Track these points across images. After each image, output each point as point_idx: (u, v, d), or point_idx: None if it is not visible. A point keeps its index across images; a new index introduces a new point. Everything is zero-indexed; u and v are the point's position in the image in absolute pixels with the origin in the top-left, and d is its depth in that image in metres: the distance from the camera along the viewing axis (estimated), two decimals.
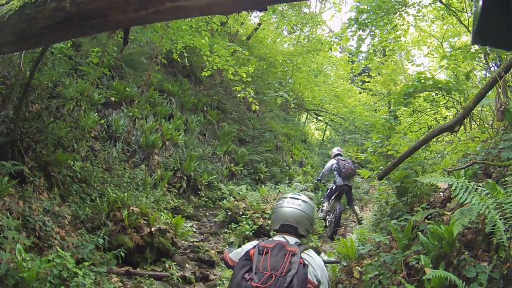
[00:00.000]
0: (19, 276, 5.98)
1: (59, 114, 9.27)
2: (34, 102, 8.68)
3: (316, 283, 3.33)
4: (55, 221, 7.90)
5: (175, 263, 9.46)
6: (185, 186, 13.15)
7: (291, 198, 3.86)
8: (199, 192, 13.70)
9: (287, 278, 3.12)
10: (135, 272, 8.59)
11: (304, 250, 3.48)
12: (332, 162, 13.10)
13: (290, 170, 19.11)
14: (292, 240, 3.62)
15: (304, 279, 3.20)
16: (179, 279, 8.95)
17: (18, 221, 6.79)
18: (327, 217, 12.85)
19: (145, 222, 9.29)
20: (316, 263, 3.46)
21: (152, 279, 8.58)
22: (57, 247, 7.23)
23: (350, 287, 7.44)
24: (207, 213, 13.37)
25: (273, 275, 3.14)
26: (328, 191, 13.39)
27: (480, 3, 1.37)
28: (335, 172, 12.85)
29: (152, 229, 9.22)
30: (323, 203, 13.38)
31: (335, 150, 13.82)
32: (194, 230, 11.64)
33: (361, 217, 11.79)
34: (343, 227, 13.74)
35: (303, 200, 3.84)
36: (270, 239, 3.65)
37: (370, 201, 15.75)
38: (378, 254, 7.10)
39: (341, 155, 13.31)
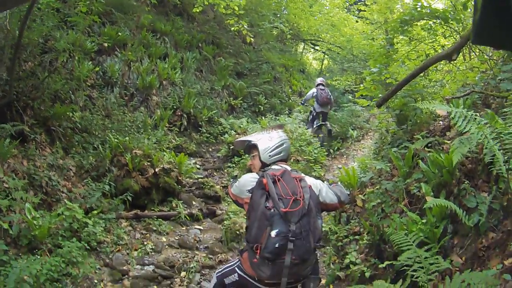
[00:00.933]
0: (31, 235, 6.29)
1: (53, 68, 9.32)
2: (26, 60, 8.72)
3: (318, 194, 3.79)
4: (61, 174, 8.15)
5: (181, 201, 9.77)
6: (185, 123, 13.27)
7: (276, 132, 4.17)
8: (200, 129, 13.85)
9: (305, 201, 3.50)
10: (143, 214, 8.94)
11: (301, 174, 3.86)
12: (313, 90, 14.59)
13: (290, 101, 19.14)
14: (287, 167, 3.94)
15: (318, 201, 3.70)
16: (187, 217, 9.32)
17: (24, 180, 7.01)
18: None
19: (148, 163, 9.50)
20: (314, 183, 3.87)
21: (160, 219, 8.94)
22: (65, 200, 7.52)
23: (354, 215, 7.69)
24: (210, 149, 13.56)
25: (296, 199, 3.48)
26: (310, 116, 14.86)
27: (480, 3, 1.38)
28: (315, 100, 14.41)
29: (156, 170, 9.44)
30: (307, 128, 14.20)
31: (318, 80, 15.10)
32: (198, 166, 11.86)
33: (332, 130, 14.19)
34: (344, 156, 13.98)
35: (283, 133, 4.23)
36: (270, 167, 3.95)
37: (371, 129, 15.86)
38: (380, 182, 7.28)
39: (323, 85, 14.59)
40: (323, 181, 4.09)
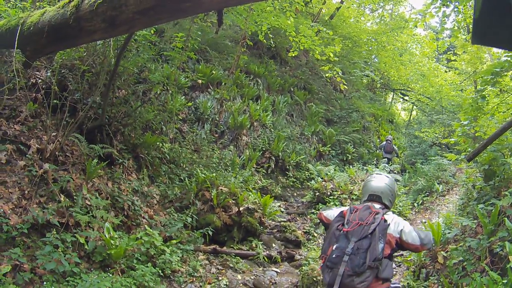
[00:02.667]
0: (106, 253, 6.32)
1: (146, 98, 9.62)
2: (120, 88, 9.06)
3: (397, 235, 4.06)
4: (144, 200, 8.25)
5: (261, 242, 9.58)
6: (273, 166, 13.23)
7: (376, 174, 4.85)
8: (287, 173, 13.71)
9: (371, 227, 3.97)
10: (222, 250, 8.79)
11: (386, 213, 4.28)
12: (383, 143, 18.33)
13: (377, 151, 18.79)
14: (377, 205, 4.39)
15: (385, 229, 4.01)
16: (265, 258, 9.07)
17: (107, 201, 7.14)
18: None
19: (233, 201, 9.46)
20: (395, 220, 4.19)
21: (238, 257, 8.76)
22: (145, 226, 7.55)
23: (433, 272, 7.25)
24: (295, 194, 13.37)
25: (360, 223, 4.04)
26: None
27: (480, 3, 1.38)
28: (383, 151, 18.05)
29: (241, 209, 9.38)
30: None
31: (388, 137, 18.53)
32: (282, 210, 11.68)
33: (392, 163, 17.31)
34: (429, 211, 13.37)
35: (386, 176, 4.77)
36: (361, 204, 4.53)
37: (456, 184, 15.20)
38: (463, 239, 6.90)
39: (390, 140, 18.28)
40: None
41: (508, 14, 1.32)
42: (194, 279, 7.58)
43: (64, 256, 5.78)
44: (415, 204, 13.24)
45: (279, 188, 12.87)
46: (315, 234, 10.91)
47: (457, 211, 9.11)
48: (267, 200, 9.98)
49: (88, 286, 5.36)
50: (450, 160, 13.19)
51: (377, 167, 14.90)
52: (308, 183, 13.10)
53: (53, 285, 5.51)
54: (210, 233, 8.70)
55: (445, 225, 8.07)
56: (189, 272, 7.64)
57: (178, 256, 7.57)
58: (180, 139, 10.74)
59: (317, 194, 12.01)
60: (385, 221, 4.09)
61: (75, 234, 6.15)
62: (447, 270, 6.57)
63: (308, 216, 11.80)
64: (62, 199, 6.38)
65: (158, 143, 9.50)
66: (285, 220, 11.12)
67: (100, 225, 6.56)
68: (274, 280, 8.52)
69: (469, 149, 8.15)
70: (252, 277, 8.43)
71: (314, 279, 8.15)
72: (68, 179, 6.64)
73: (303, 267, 8.54)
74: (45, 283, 5.48)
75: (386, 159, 17.67)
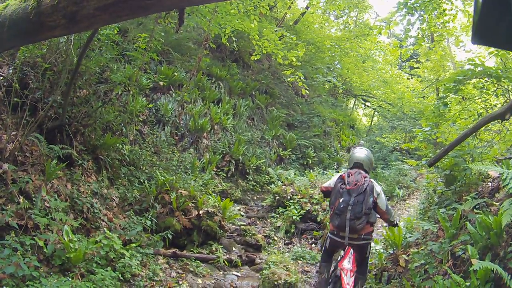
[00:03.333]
0: (65, 256, 6.15)
1: (107, 98, 9.43)
2: (81, 87, 8.85)
3: (376, 196, 6.05)
4: (103, 203, 8.08)
5: (221, 246, 9.52)
6: (233, 170, 13.17)
7: (358, 148, 7.02)
8: (247, 176, 13.69)
9: (363, 186, 5.99)
10: (182, 254, 8.70)
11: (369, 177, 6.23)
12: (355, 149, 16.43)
13: (338, 156, 18.92)
14: (362, 171, 6.33)
15: (372, 188, 6.04)
16: (225, 262, 9.03)
17: (66, 203, 6.94)
18: None
19: (193, 205, 9.37)
20: (376, 185, 6.20)
21: (198, 261, 8.67)
22: (105, 229, 7.39)
23: (395, 275, 7.35)
24: (255, 197, 13.35)
25: (356, 183, 6.03)
26: None
27: (480, 3, 1.40)
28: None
29: (200, 212, 9.30)
30: None
31: (360, 142, 18.01)
32: (242, 213, 11.61)
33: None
34: None
35: (365, 149, 6.82)
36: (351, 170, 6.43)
37: (417, 189, 15.55)
38: (425, 243, 7.06)
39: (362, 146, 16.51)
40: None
41: (508, 14, 1.33)
42: (154, 283, 7.45)
43: (24, 260, 5.59)
44: None
45: (239, 192, 12.83)
46: (275, 238, 10.92)
47: (418, 215, 9.30)
48: (227, 204, 9.91)
49: None
50: (411, 166, 13.49)
51: (338, 172, 15.04)
52: (268, 187, 13.10)
53: None
54: (170, 236, 8.60)
55: (406, 229, 8.23)
56: (149, 276, 7.50)
57: (138, 260, 7.43)
58: (141, 141, 10.60)
59: (277, 198, 12.02)
60: (372, 182, 6.12)
61: (34, 237, 5.96)
62: (409, 273, 6.65)
63: (268, 220, 11.79)
64: (21, 200, 6.18)
65: (118, 144, 9.34)
66: (245, 223, 11.08)
67: (59, 228, 6.39)
68: (235, 284, 8.47)
69: (430, 154, 8.36)
70: (213, 281, 8.36)
71: (275, 282, 8.14)
72: (27, 180, 6.45)
73: (264, 271, 8.53)
74: (4, 287, 5.31)
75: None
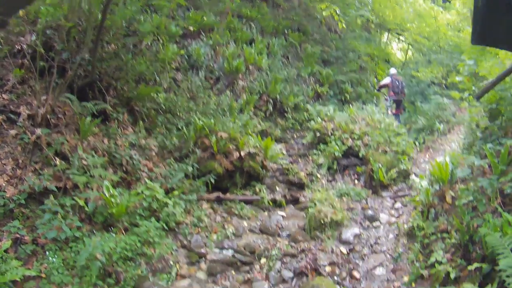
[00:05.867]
0: (107, 212, 6.26)
1: (137, 50, 9.35)
2: (109, 42, 8.77)
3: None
4: (142, 154, 8.12)
5: (265, 186, 9.55)
6: (271, 109, 12.96)
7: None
8: (286, 115, 13.48)
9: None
10: (225, 197, 8.75)
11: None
12: (388, 79, 15.87)
13: (375, 91, 18.45)
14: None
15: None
16: (270, 202, 9.08)
17: (104, 158, 7.02)
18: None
19: (234, 147, 9.33)
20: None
21: (242, 203, 8.73)
22: (146, 180, 7.45)
23: (442, 212, 7.16)
24: (295, 135, 13.16)
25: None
26: (387, 103, 16.19)
27: (480, 4, 1.44)
28: (389, 88, 15.71)
29: (242, 153, 9.26)
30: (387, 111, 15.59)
31: (392, 70, 16.35)
32: (283, 152, 11.48)
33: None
34: (431, 150, 13.27)
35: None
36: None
37: (457, 124, 15.09)
38: (472, 179, 6.78)
39: (396, 77, 15.74)
40: None
41: (507, 14, 1.39)
42: (199, 230, 7.56)
43: (65, 222, 5.72)
44: (417, 143, 13.11)
45: (279, 131, 12.67)
46: (318, 175, 10.85)
47: (462, 150, 8.98)
48: (268, 143, 9.80)
49: (91, 251, 5.30)
50: (452, 100, 13.04)
51: (377, 106, 14.82)
52: (308, 124, 12.85)
53: (56, 253, 5.48)
54: (212, 180, 8.62)
55: (452, 164, 7.91)
56: (194, 222, 7.61)
57: (181, 207, 7.52)
58: (175, 88, 10.53)
59: (317, 134, 11.85)
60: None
61: (74, 197, 6.08)
62: (455, 211, 6.47)
63: (310, 157, 11.67)
64: (57, 162, 6.27)
65: (152, 94, 9.30)
66: (287, 162, 10.96)
67: (99, 184, 6.47)
68: (281, 224, 8.53)
69: (474, 88, 8.05)
70: (258, 223, 8.45)
71: (321, 221, 8.13)
72: (62, 141, 6.51)
73: (309, 210, 8.53)
74: (47, 252, 5.44)
75: (393, 102, 15.65)
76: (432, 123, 14.45)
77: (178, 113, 9.79)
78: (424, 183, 8.47)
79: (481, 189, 6.27)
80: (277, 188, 9.84)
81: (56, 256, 5.44)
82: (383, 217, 9.09)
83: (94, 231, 6.06)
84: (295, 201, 9.51)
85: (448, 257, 6.11)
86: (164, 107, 9.61)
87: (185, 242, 7.14)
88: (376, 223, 8.86)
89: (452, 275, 5.62)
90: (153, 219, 6.73)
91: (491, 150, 6.42)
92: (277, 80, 13.22)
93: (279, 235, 8.13)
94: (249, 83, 13.02)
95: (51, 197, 5.87)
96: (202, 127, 9.26)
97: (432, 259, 6.22)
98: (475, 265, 5.13)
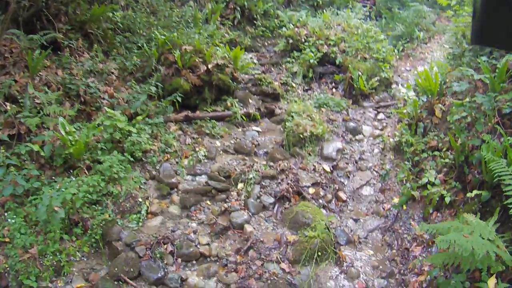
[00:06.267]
0: (65, 153, 5.90)
1: None
2: None
3: None
4: (101, 79, 7.69)
5: (237, 99, 9.18)
6: (239, 17, 12.37)
7: None
8: (255, 22, 12.89)
9: None
10: (195, 115, 8.44)
11: None
12: None
13: None
14: None
15: None
16: (243, 116, 8.79)
17: (59, 92, 6.61)
18: None
19: (200, 59, 8.91)
20: None
21: (213, 120, 8.43)
22: (106, 108, 7.02)
23: (431, 127, 6.93)
24: (266, 43, 12.63)
25: None
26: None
27: (479, 3, 1.40)
28: None
29: (209, 66, 8.84)
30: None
31: None
32: (254, 62, 11.01)
33: None
34: (411, 58, 12.87)
35: None
36: None
37: (437, 33, 14.54)
38: (465, 94, 6.49)
39: None
40: None
41: (507, 14, 1.33)
42: (168, 156, 7.30)
43: (22, 173, 5.42)
44: (396, 51, 12.68)
45: (249, 39, 12.12)
46: (293, 85, 10.46)
47: (448, 61, 8.57)
48: (237, 53, 9.36)
49: (49, 202, 5.01)
50: (431, 8, 12.51)
51: (353, 11, 14.12)
52: (279, 31, 12.32)
53: (17, 211, 5.23)
54: (179, 99, 8.20)
55: (441, 75, 7.51)
56: (162, 149, 7.33)
57: (147, 134, 7.18)
58: (133, 4, 9.92)
59: (290, 41, 11.34)
60: None
61: (28, 144, 5.73)
62: (446, 126, 6.27)
63: (283, 66, 11.21)
64: (8, 107, 5.85)
65: (108, 13, 8.74)
66: (259, 72, 10.53)
67: (55, 122, 6.08)
68: (256, 141, 8.29)
69: None
70: (232, 142, 8.20)
71: (300, 136, 7.91)
72: (10, 82, 6.07)
73: (287, 123, 8.26)
74: (7, 213, 5.18)
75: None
76: (411, 31, 13.93)
77: (138, 31, 9.32)
78: (411, 93, 8.19)
79: (477, 106, 5.95)
80: (250, 101, 9.44)
81: (16, 215, 5.20)
82: (366, 129, 8.92)
83: (55, 176, 5.79)
84: (270, 114, 9.27)
85: (441, 178, 5.97)
86: (122, 26, 9.10)
87: (154, 172, 6.91)
88: (359, 136, 8.70)
89: (447, 199, 5.48)
90: (116, 152, 6.43)
91: (486, 64, 6.07)
92: None
93: (255, 154, 7.93)
94: None
95: (2, 148, 5.53)
96: (164, 42, 8.80)
97: (424, 180, 6.11)
98: (475, 192, 4.95)
